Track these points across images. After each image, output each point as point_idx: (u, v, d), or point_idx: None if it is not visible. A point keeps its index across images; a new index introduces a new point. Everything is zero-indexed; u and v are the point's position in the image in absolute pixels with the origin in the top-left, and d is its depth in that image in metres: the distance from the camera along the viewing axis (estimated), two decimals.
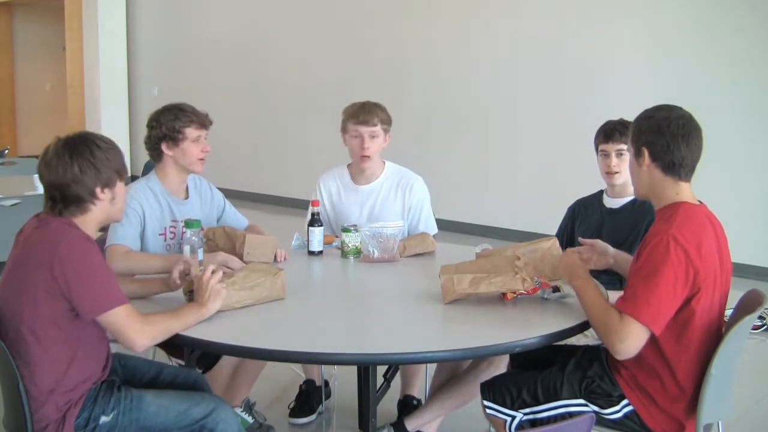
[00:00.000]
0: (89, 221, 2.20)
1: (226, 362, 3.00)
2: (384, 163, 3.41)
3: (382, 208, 3.33)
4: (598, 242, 2.66)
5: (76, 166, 2.14)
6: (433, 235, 3.33)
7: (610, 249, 2.63)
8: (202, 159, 3.00)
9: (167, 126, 2.95)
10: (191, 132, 2.95)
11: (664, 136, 2.18)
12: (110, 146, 2.22)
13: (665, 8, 6.18)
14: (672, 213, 2.19)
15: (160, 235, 2.97)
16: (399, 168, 3.42)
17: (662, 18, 6.21)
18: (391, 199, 3.35)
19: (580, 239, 2.74)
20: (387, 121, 3.29)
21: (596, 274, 2.84)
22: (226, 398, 3.07)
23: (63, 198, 2.17)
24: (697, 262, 2.11)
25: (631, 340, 2.10)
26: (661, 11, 6.20)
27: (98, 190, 2.18)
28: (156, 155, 3.02)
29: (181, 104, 3.02)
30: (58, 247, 2.07)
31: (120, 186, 2.24)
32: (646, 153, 2.22)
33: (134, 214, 2.89)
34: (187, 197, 3.09)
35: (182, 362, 2.89)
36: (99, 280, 2.10)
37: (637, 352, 2.14)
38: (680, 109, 2.24)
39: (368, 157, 3.27)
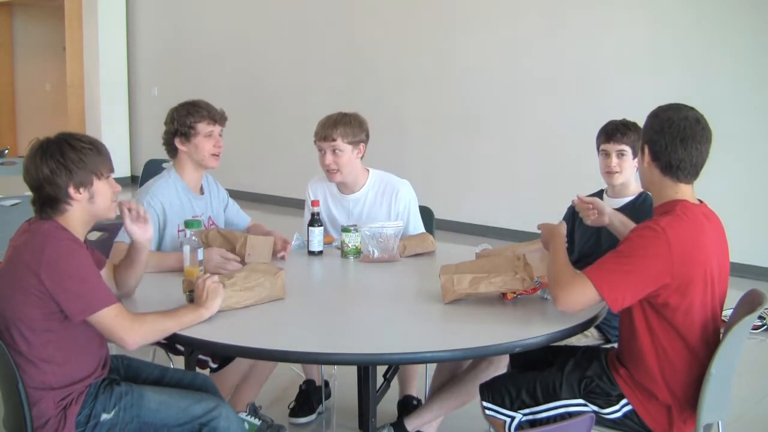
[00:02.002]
0: (73, 222, 2.19)
1: (239, 363, 2.98)
2: (368, 171, 3.36)
3: (368, 216, 3.29)
4: (597, 200, 2.68)
5: (46, 167, 2.14)
6: (427, 223, 3.37)
7: (607, 208, 2.66)
8: (215, 154, 3.03)
9: (179, 121, 2.99)
10: (203, 127, 2.99)
11: (664, 137, 2.18)
12: (87, 146, 2.19)
13: (667, 7, 6.18)
14: (668, 210, 2.19)
15: (180, 231, 2.98)
16: (383, 174, 3.37)
17: (664, 17, 6.21)
18: (377, 206, 3.31)
19: (578, 196, 2.75)
20: (353, 134, 3.21)
21: None
22: (231, 402, 3.07)
23: (40, 199, 2.18)
24: (681, 261, 2.10)
25: (574, 293, 2.14)
26: (663, 10, 6.20)
27: (72, 190, 2.16)
28: (171, 151, 3.06)
29: (196, 100, 3.06)
30: (44, 252, 2.07)
31: (100, 184, 2.21)
32: (647, 151, 2.23)
33: (152, 213, 2.89)
34: (202, 193, 3.13)
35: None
36: (85, 283, 2.10)
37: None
38: (690, 110, 2.22)
39: (334, 171, 3.23)
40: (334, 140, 3.18)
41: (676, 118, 2.19)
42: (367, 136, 3.28)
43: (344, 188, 3.35)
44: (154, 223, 2.91)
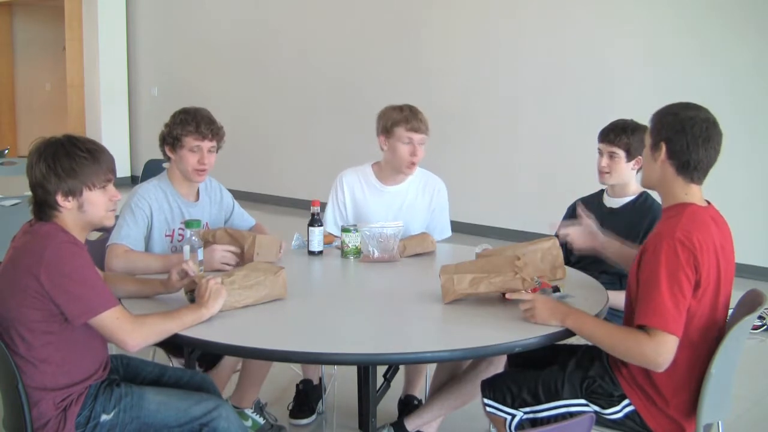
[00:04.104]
0: (69, 226, 2.17)
1: (227, 362, 3.00)
2: None
3: (409, 209, 3.33)
4: (590, 223, 2.68)
5: (38, 170, 2.13)
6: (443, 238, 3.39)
7: (600, 236, 2.65)
8: (198, 170, 2.94)
9: (171, 129, 2.94)
10: (189, 141, 2.91)
11: (685, 137, 2.16)
12: (83, 154, 2.14)
13: (666, 8, 6.18)
14: (676, 213, 2.18)
15: (167, 236, 2.96)
16: (422, 170, 3.42)
17: (663, 17, 6.21)
18: (419, 200, 3.36)
19: (579, 208, 2.74)
20: (429, 131, 3.31)
21: (596, 275, 2.85)
22: (236, 400, 3.08)
23: (34, 200, 2.18)
24: (702, 263, 2.11)
25: (670, 352, 2.07)
26: (662, 11, 6.20)
27: (59, 197, 2.14)
28: (165, 155, 3.01)
29: (195, 110, 2.96)
30: (44, 254, 2.06)
31: (92, 194, 2.16)
32: (663, 149, 2.20)
33: (141, 214, 2.89)
34: (197, 199, 3.08)
35: (183, 360, 2.89)
36: (85, 285, 2.09)
37: None
38: (706, 111, 2.22)
39: (416, 165, 3.28)
40: (425, 133, 3.26)
41: (697, 118, 2.18)
42: None
43: (388, 179, 3.36)
44: (144, 226, 2.90)
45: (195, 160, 2.93)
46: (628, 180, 3.04)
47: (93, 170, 2.16)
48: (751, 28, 5.83)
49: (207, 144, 2.93)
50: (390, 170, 3.34)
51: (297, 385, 3.45)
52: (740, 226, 5.57)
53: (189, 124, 2.91)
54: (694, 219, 2.16)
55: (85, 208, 2.17)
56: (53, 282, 2.05)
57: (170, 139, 2.93)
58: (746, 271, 5.37)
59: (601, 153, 3.03)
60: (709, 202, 2.27)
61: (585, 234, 2.68)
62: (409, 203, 3.35)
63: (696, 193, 2.23)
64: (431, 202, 3.37)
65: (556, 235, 2.82)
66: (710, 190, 2.34)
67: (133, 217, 2.87)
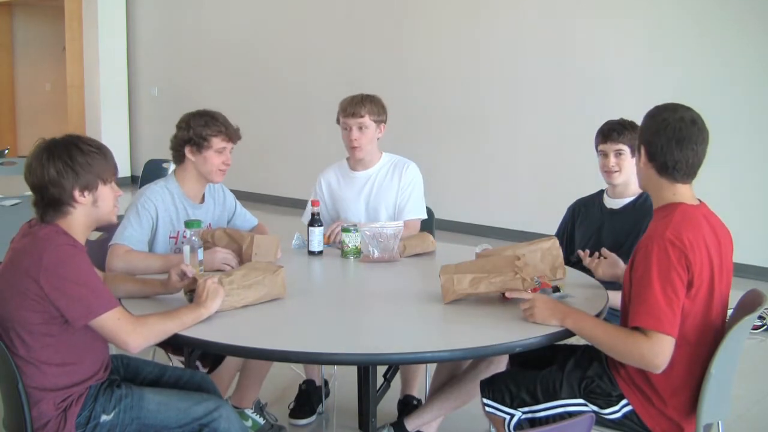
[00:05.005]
0: (74, 225, 2.18)
1: (230, 362, 3.00)
2: (381, 152, 3.49)
3: (379, 191, 3.41)
4: (612, 255, 2.66)
5: (52, 168, 2.13)
6: (427, 223, 3.43)
7: (621, 263, 2.63)
8: (222, 170, 3.00)
9: (195, 131, 2.95)
10: (217, 142, 2.96)
11: (660, 138, 2.18)
12: (94, 150, 2.19)
13: (665, 10, 6.18)
14: (667, 214, 2.19)
15: (171, 237, 2.96)
16: (395, 156, 3.52)
17: (662, 19, 6.21)
18: (388, 181, 3.43)
19: (603, 250, 2.73)
20: (378, 113, 3.36)
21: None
22: (236, 400, 3.08)
23: (42, 200, 2.17)
24: (693, 262, 2.11)
25: (666, 353, 2.07)
26: (662, 11, 6.21)
27: (77, 192, 2.15)
28: (178, 157, 3.02)
29: (214, 112, 3.02)
30: (43, 257, 2.07)
31: (104, 189, 2.21)
32: (643, 152, 2.23)
33: (146, 216, 2.89)
34: (203, 201, 3.10)
35: (182, 358, 2.89)
36: (85, 287, 2.09)
37: None
38: (686, 110, 2.21)
39: (357, 148, 3.36)
40: (361, 117, 3.32)
41: (671, 119, 2.19)
42: (386, 118, 3.42)
43: (357, 165, 3.46)
44: (149, 227, 2.90)
45: (220, 161, 2.99)
46: (632, 178, 3.04)
47: (104, 165, 2.21)
48: (753, 28, 5.82)
49: (230, 146, 3.03)
50: (351, 157, 3.46)
51: (300, 386, 3.46)
52: (740, 226, 5.57)
53: (217, 126, 2.97)
54: (685, 218, 2.16)
55: (98, 204, 2.21)
56: (53, 285, 2.05)
57: (197, 139, 2.95)
58: (746, 271, 5.37)
59: (605, 154, 3.03)
60: (701, 201, 2.27)
61: (609, 265, 2.68)
62: (378, 185, 3.42)
63: (685, 193, 2.23)
64: (400, 180, 3.42)
65: (575, 258, 2.80)
66: (710, 190, 2.34)
67: (138, 219, 2.88)
